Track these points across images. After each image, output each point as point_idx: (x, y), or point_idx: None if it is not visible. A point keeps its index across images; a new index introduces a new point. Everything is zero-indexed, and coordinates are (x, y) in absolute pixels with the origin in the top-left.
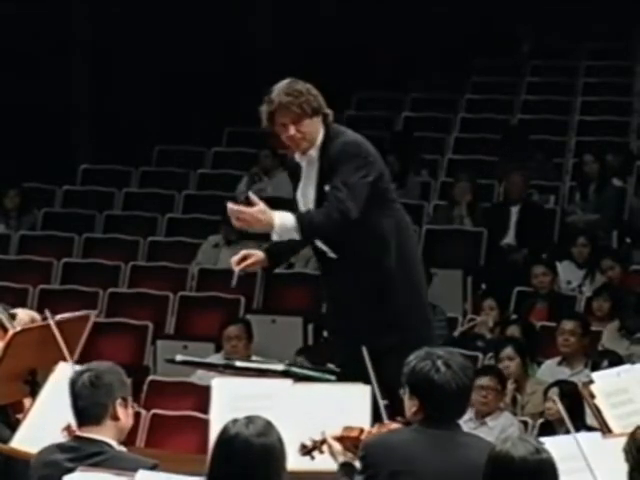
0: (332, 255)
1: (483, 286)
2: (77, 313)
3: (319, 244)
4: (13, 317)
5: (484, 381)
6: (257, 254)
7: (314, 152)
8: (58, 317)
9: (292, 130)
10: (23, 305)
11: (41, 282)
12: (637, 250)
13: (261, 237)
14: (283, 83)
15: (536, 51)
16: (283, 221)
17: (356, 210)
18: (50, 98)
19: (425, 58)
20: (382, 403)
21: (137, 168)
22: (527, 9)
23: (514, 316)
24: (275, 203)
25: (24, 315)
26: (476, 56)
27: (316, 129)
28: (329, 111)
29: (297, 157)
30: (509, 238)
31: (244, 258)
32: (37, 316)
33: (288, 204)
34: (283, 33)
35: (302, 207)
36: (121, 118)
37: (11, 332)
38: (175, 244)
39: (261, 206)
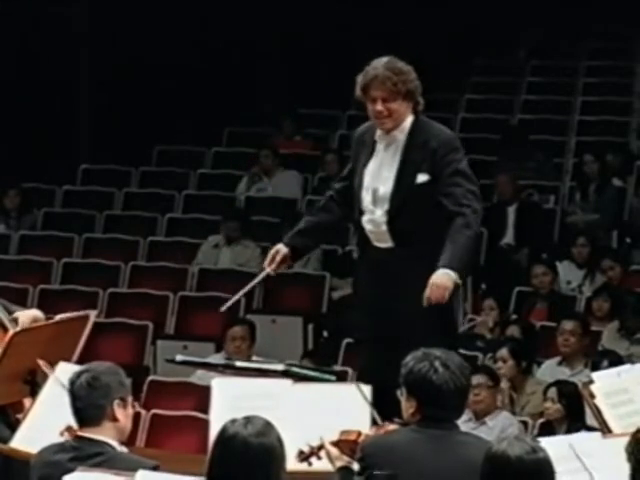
0: (384, 245)
1: (483, 286)
2: (77, 313)
3: (368, 229)
4: (15, 321)
5: (475, 379)
6: (282, 251)
7: (401, 135)
8: (58, 317)
9: (379, 106)
10: (23, 305)
11: (41, 282)
12: (637, 250)
13: (261, 237)
14: (385, 58)
15: (535, 51)
16: (450, 274)
17: (479, 192)
18: (50, 98)
19: (425, 58)
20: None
21: (137, 168)
22: (527, 9)
23: (514, 316)
24: (275, 203)
25: (25, 319)
26: (476, 56)
27: (404, 112)
28: (421, 100)
29: (377, 134)
30: (508, 238)
31: (272, 259)
32: (40, 314)
33: (288, 204)
34: (284, 33)
35: (367, 184)
36: (121, 118)
37: (11, 332)
38: (175, 244)
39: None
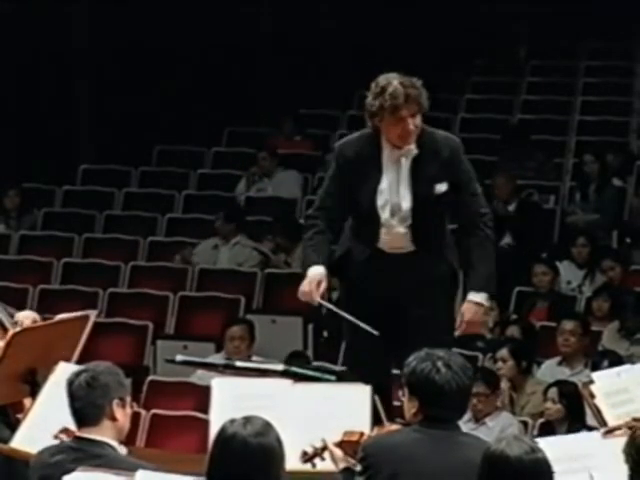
0: (401, 251)
1: None
2: (77, 313)
3: (384, 240)
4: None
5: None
6: (322, 275)
7: (414, 148)
8: (58, 317)
9: (412, 125)
10: (23, 305)
11: (41, 282)
12: (637, 250)
13: (260, 237)
14: (398, 76)
15: (535, 51)
16: (481, 299)
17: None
18: (50, 98)
19: (425, 58)
20: (381, 407)
21: (137, 168)
22: (527, 9)
23: (514, 316)
24: (275, 203)
25: (24, 319)
26: (476, 56)
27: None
28: None
29: (385, 152)
30: (508, 238)
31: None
32: (37, 316)
33: (288, 204)
34: (283, 34)
35: (383, 201)
36: (121, 118)
37: (11, 332)
38: (175, 244)
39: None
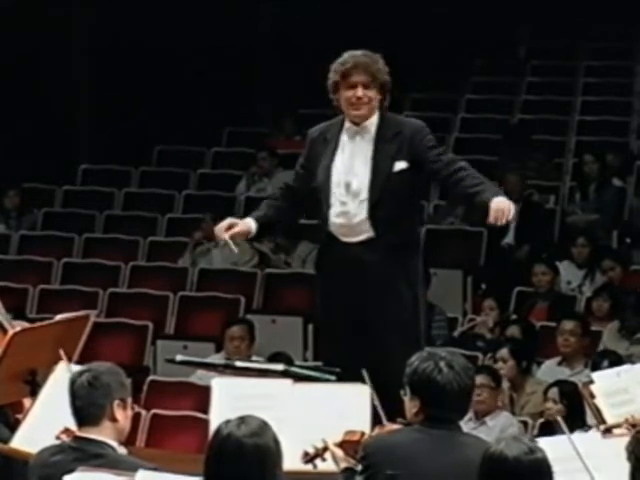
0: (355, 239)
1: (483, 286)
2: (77, 313)
3: (338, 223)
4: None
5: (478, 379)
6: (244, 223)
7: (371, 128)
8: (58, 317)
9: (360, 91)
10: (23, 305)
11: (41, 282)
12: (637, 250)
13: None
14: (360, 50)
15: (535, 51)
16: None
17: None
18: (50, 98)
19: (425, 58)
20: (379, 406)
21: (137, 168)
22: (527, 9)
23: (514, 316)
24: None
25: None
26: (476, 56)
27: (375, 103)
28: (389, 97)
29: (345, 127)
30: (509, 238)
31: (230, 226)
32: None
33: None
34: (283, 33)
35: (337, 178)
36: (121, 118)
37: (11, 332)
38: (175, 244)
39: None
